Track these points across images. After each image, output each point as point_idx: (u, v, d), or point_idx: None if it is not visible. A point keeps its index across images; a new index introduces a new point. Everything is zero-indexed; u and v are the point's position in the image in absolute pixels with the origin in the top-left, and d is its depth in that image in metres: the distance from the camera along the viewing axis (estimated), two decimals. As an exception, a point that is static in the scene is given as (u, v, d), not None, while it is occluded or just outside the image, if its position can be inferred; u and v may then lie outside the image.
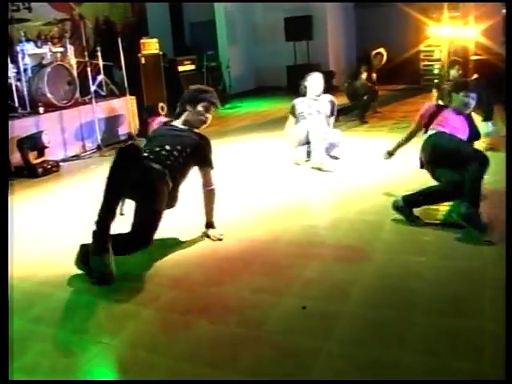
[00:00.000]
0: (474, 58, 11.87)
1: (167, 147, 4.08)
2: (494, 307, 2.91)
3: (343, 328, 2.83)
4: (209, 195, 4.27)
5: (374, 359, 2.53)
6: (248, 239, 4.22)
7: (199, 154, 4.22)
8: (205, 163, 4.25)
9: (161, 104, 9.47)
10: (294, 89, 13.96)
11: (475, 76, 9.24)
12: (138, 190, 3.74)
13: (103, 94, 9.24)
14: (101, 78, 9.16)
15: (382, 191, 5.19)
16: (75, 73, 8.59)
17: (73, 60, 8.65)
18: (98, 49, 8.92)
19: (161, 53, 10.64)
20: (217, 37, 14.55)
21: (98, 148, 8.33)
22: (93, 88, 8.56)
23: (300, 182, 5.76)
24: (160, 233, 3.83)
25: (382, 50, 7.91)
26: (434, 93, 9.80)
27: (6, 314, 2.84)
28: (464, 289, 3.17)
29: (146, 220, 3.74)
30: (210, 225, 4.28)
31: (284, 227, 4.41)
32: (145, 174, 3.79)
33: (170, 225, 4.07)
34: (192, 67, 12.43)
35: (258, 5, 15.33)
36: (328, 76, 14.42)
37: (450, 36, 12.97)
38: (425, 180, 4.62)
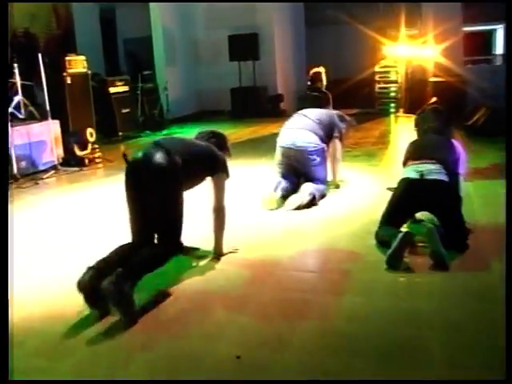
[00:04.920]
0: (432, 79, 12.19)
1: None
2: (444, 353, 2.93)
3: (279, 378, 2.78)
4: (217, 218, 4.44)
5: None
6: (179, 281, 4.14)
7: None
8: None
9: (89, 130, 9.37)
10: (239, 113, 14.25)
11: (433, 99, 9.47)
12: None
13: (21, 117, 9.04)
14: (18, 98, 8.97)
15: (330, 228, 5.24)
16: (-12, 93, 8.39)
17: (-15, 78, 8.45)
18: (15, 65, 8.75)
19: (89, 72, 10.53)
20: (153, 55, 14.57)
21: (15, 179, 8.11)
22: (9, 110, 8.38)
23: (243, 216, 5.72)
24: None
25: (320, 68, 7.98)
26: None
27: (6, 314, 3.05)
28: (410, 333, 3.18)
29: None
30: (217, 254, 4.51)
31: (219, 268, 4.35)
32: None
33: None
34: (125, 89, 12.35)
35: (200, 21, 15.47)
36: (276, 100, 14.65)
37: (407, 56, 13.33)
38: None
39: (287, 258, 4.50)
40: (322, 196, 6.04)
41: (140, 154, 3.95)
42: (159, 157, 3.83)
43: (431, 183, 4.42)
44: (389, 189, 5.16)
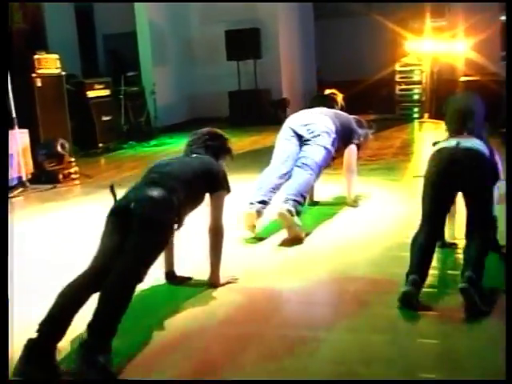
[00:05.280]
0: (463, 79, 12.15)
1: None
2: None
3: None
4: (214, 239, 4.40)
5: None
6: (170, 316, 4.09)
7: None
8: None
9: (61, 140, 9.32)
10: (238, 120, 14.24)
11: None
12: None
13: (-18, 126, 9.04)
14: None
15: (345, 253, 5.20)
16: None
17: None
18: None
19: (63, 73, 10.53)
20: (139, 54, 14.60)
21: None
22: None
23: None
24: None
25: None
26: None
27: (6, 314, 3.25)
28: (442, 378, 3.11)
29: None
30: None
31: (215, 301, 4.31)
32: None
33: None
34: (106, 92, 12.36)
35: (193, 14, 15.52)
36: (280, 105, 14.65)
37: (434, 52, 13.28)
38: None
39: (296, 288, 4.47)
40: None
41: (131, 196, 3.89)
42: (155, 200, 3.80)
43: (467, 150, 4.26)
44: (416, 176, 5.07)
